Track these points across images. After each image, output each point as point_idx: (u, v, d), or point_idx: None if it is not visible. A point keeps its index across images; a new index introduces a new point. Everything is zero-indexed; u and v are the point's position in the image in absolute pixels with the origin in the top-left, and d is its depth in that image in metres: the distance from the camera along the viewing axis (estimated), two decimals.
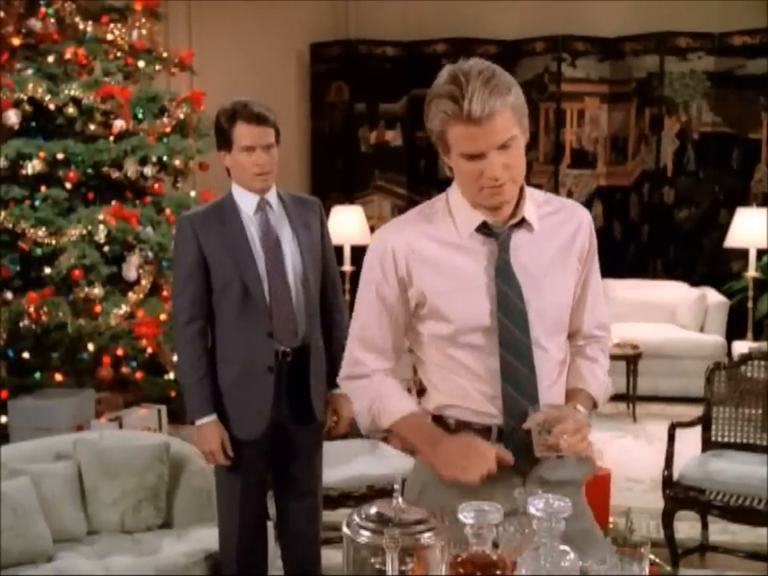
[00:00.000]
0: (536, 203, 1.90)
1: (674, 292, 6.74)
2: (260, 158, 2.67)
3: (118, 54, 5.04)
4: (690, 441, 3.77)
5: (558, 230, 1.90)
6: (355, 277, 7.90)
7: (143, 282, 4.61)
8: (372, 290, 1.90)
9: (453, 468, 1.76)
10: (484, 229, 1.84)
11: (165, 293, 4.70)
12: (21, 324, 4.37)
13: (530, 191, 1.91)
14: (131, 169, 4.64)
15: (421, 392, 6.11)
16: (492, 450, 1.76)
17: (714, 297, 6.48)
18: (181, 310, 2.73)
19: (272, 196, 2.78)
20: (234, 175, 2.74)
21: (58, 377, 4.61)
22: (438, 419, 1.91)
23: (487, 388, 1.84)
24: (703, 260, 7.19)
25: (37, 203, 4.58)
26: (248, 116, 2.65)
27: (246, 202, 2.74)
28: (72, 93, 4.62)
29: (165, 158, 4.73)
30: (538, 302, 1.84)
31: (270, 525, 2.98)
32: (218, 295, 2.71)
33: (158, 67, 5.21)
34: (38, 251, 4.50)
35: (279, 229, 2.75)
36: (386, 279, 1.88)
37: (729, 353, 6.06)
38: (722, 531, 3.89)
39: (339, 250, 6.68)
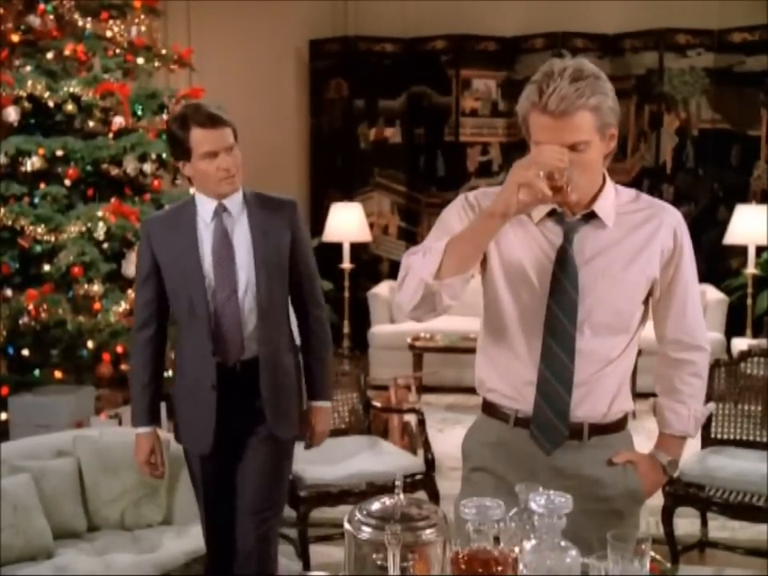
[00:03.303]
0: (622, 200, 1.93)
1: None
2: (223, 161, 2.47)
3: (117, 50, 5.04)
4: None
5: (637, 229, 1.91)
6: (354, 274, 7.90)
7: None
8: (441, 225, 1.94)
9: (512, 199, 1.71)
10: (554, 215, 1.89)
11: None
12: (20, 321, 4.37)
13: (620, 189, 1.95)
14: (130, 166, 4.64)
15: (421, 389, 6.06)
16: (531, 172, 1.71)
17: (713, 294, 6.49)
18: (135, 314, 2.66)
19: (233, 200, 2.57)
20: (197, 184, 2.56)
21: (58, 374, 4.61)
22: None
23: (525, 371, 1.91)
24: (702, 257, 7.08)
25: (36, 200, 4.58)
26: (201, 120, 2.45)
27: (204, 208, 2.57)
28: (71, 90, 4.61)
29: (164, 155, 4.73)
30: (593, 297, 1.87)
31: None
32: (171, 304, 2.62)
33: (157, 64, 5.21)
34: (38, 248, 4.50)
35: (236, 236, 2.56)
36: (454, 219, 1.93)
37: (728, 350, 6.06)
38: (721, 528, 3.89)
39: (338, 247, 6.70)
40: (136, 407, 2.65)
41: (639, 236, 1.91)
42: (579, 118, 1.76)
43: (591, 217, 1.90)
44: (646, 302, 1.97)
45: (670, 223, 1.94)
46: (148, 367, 2.62)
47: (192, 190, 2.62)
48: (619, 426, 1.98)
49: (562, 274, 1.87)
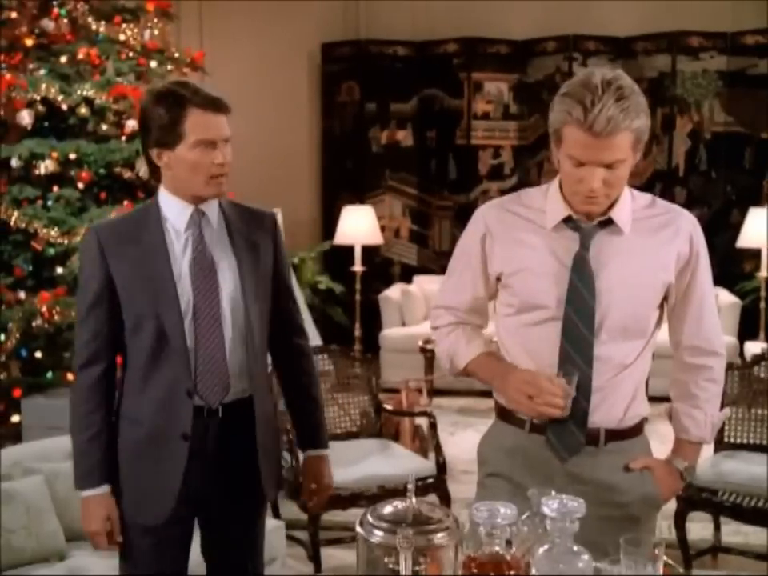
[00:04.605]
0: (638, 206, 1.94)
1: None
2: (220, 155, 2.05)
3: (130, 54, 5.06)
4: None
5: (653, 235, 1.92)
6: (366, 277, 7.90)
7: None
8: (459, 256, 2.04)
9: (519, 400, 1.87)
10: (570, 222, 1.89)
11: None
12: (33, 323, 4.39)
13: (636, 194, 1.96)
14: (143, 169, 4.64)
15: (432, 392, 6.06)
16: (554, 389, 1.82)
17: (725, 297, 6.45)
18: (78, 349, 2.15)
19: (210, 207, 2.13)
20: (174, 180, 2.09)
21: (71, 376, 4.61)
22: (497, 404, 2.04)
23: None
24: (715, 260, 7.01)
25: (49, 203, 4.61)
26: (204, 101, 2.02)
27: (175, 213, 2.10)
28: (84, 93, 4.64)
29: None
30: (610, 303, 1.88)
31: None
32: (129, 334, 2.10)
33: (169, 67, 5.22)
34: (51, 251, 4.53)
35: (217, 250, 2.12)
36: (475, 250, 1.99)
37: (741, 353, 6.04)
38: (734, 532, 3.87)
39: (350, 250, 6.70)
40: (84, 464, 2.14)
41: (655, 241, 1.91)
42: (620, 139, 1.76)
43: (608, 223, 1.90)
44: (660, 306, 1.97)
45: (686, 229, 1.94)
46: (99, 412, 2.12)
47: (161, 190, 2.14)
48: (635, 431, 1.98)
49: (579, 280, 1.87)
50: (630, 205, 1.93)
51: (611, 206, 1.89)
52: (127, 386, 2.14)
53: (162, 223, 2.10)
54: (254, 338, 2.14)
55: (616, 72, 1.83)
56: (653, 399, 2.07)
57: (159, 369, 2.08)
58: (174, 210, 2.10)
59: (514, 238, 1.94)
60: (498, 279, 1.98)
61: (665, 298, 1.96)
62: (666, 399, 2.10)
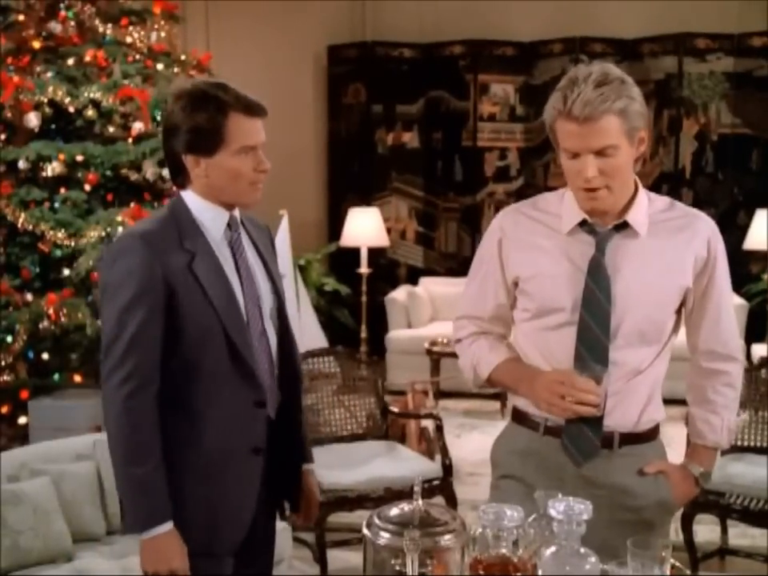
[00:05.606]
0: (655, 209, 1.93)
1: None
2: (263, 160, 1.98)
3: (137, 56, 5.07)
4: None
5: (670, 238, 1.91)
6: (372, 279, 7.87)
7: None
8: (479, 264, 2.05)
9: (552, 401, 1.85)
10: (586, 226, 1.89)
11: None
12: (40, 325, 4.40)
13: (654, 197, 1.95)
14: (150, 171, 4.66)
15: (438, 394, 6.06)
16: (590, 387, 1.81)
17: (732, 299, 6.42)
18: (123, 377, 1.88)
19: (236, 212, 2.06)
20: (212, 185, 1.97)
21: (77, 378, 4.64)
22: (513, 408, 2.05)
23: None
24: None
25: (56, 205, 4.62)
26: (246, 106, 1.94)
27: (210, 219, 1.99)
28: (91, 95, 4.65)
29: None
30: (626, 307, 1.87)
31: None
32: (188, 350, 1.93)
33: (176, 69, 5.23)
34: (58, 253, 4.54)
35: (248, 255, 2.07)
36: (492, 257, 1.99)
37: (748, 356, 6.02)
38: (741, 535, 3.86)
39: (356, 251, 6.71)
40: (151, 498, 1.89)
41: (673, 245, 1.90)
42: (605, 123, 1.76)
43: (623, 226, 1.89)
44: (678, 311, 1.96)
45: (704, 232, 1.93)
46: (156, 438, 1.90)
47: (190, 196, 2.01)
48: (650, 435, 1.98)
49: (595, 284, 1.86)
50: (647, 208, 1.92)
51: (626, 209, 1.88)
52: (186, 406, 1.95)
53: (200, 230, 1.98)
54: (291, 339, 2.12)
55: (603, 64, 1.85)
56: (664, 402, 2.06)
57: (228, 386, 1.95)
58: (208, 215, 1.99)
59: (529, 241, 1.94)
60: (516, 285, 1.97)
61: (682, 303, 1.95)
62: (676, 402, 2.09)
